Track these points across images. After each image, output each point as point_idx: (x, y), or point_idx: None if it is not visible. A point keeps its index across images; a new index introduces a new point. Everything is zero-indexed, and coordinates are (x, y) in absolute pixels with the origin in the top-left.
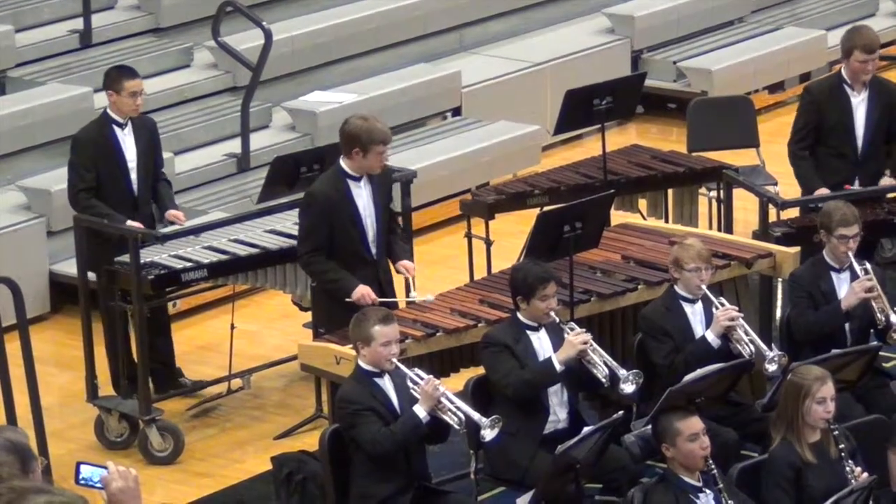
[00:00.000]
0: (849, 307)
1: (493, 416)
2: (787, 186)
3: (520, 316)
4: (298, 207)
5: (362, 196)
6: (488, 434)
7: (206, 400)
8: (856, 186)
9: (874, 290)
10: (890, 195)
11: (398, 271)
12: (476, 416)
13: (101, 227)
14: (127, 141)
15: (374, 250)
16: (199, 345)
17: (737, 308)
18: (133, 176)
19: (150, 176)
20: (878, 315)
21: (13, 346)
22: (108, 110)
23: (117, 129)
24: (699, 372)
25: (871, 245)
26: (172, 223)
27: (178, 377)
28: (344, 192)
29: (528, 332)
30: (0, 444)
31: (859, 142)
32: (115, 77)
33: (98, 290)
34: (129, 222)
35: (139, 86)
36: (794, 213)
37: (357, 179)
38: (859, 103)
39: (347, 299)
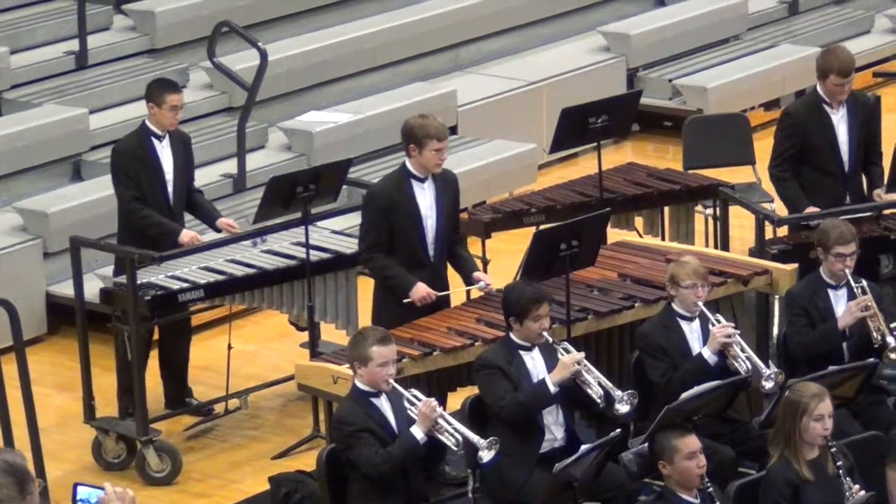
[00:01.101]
0: (845, 326)
1: (491, 438)
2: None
3: (513, 336)
4: (360, 206)
5: (426, 197)
6: (486, 455)
7: (204, 420)
8: (847, 203)
9: (870, 309)
10: (887, 211)
11: (474, 281)
12: (474, 437)
13: (103, 248)
14: (165, 153)
15: (432, 252)
16: (197, 365)
17: (733, 325)
18: (170, 188)
19: (185, 188)
20: (874, 334)
21: (10, 368)
22: (147, 122)
23: (156, 142)
24: (696, 389)
25: (871, 262)
26: (220, 230)
27: (186, 396)
28: (407, 191)
29: (521, 352)
30: None
31: (845, 158)
32: (157, 90)
33: None
34: (185, 231)
35: (180, 100)
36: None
37: (422, 180)
38: (840, 120)
39: (406, 300)
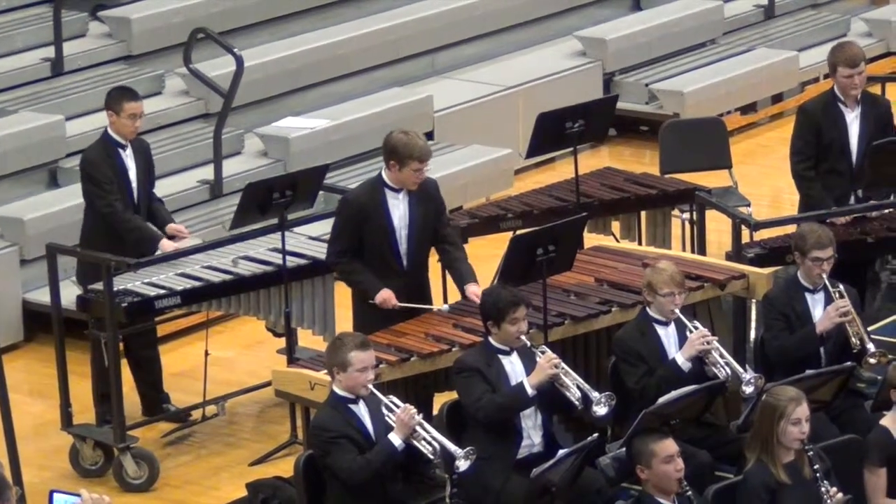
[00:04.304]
0: (824, 331)
1: (468, 448)
2: (760, 207)
3: (491, 340)
4: (335, 210)
5: (399, 208)
6: (462, 465)
7: (181, 426)
8: (851, 202)
9: (849, 314)
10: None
11: (466, 297)
12: (451, 446)
13: (79, 255)
14: (129, 162)
15: (405, 262)
16: (174, 371)
17: (710, 332)
18: (135, 196)
19: (147, 195)
20: (853, 339)
21: None
22: (109, 130)
23: (121, 151)
24: (673, 394)
25: (853, 266)
26: (172, 237)
27: (162, 402)
28: (379, 201)
29: (500, 355)
30: None
31: (854, 158)
32: (117, 98)
33: None
34: (166, 241)
35: (139, 108)
36: (766, 234)
37: (396, 191)
38: (853, 119)
39: (370, 301)
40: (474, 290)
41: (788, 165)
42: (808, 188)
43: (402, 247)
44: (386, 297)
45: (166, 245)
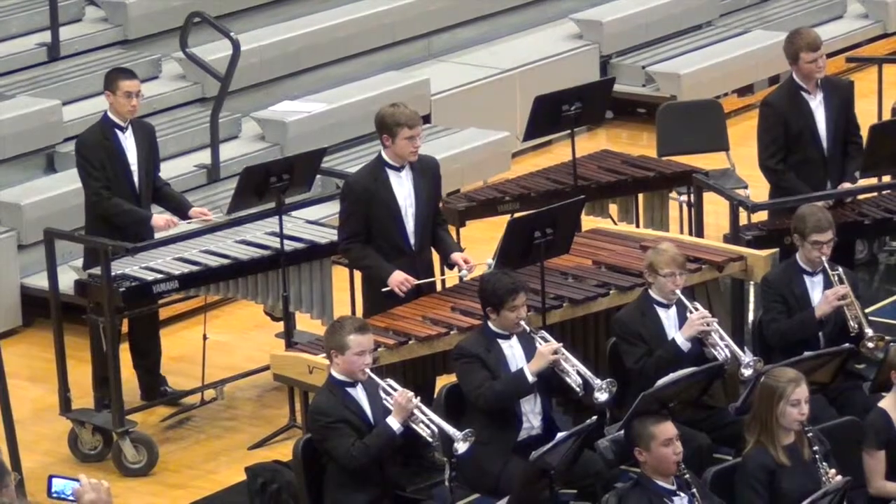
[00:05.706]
0: (823, 315)
1: (466, 430)
2: (758, 189)
3: (490, 325)
4: (335, 196)
5: (403, 186)
6: (461, 447)
7: (180, 411)
8: (828, 188)
9: (847, 297)
10: (861, 196)
11: (455, 263)
12: (450, 429)
13: (77, 240)
14: (128, 144)
15: (413, 241)
16: (172, 356)
17: (710, 313)
18: (135, 179)
19: (150, 179)
20: (851, 322)
21: None
22: (108, 112)
23: (119, 133)
24: (672, 376)
25: (846, 247)
26: (190, 219)
27: (160, 385)
28: (384, 181)
29: (500, 340)
30: None
31: (825, 144)
32: (112, 77)
33: None
34: (157, 216)
35: (135, 86)
36: (764, 216)
37: (398, 169)
38: (818, 106)
39: (384, 289)
40: (458, 256)
41: None
42: (783, 180)
43: (409, 226)
44: (399, 279)
45: (158, 220)
